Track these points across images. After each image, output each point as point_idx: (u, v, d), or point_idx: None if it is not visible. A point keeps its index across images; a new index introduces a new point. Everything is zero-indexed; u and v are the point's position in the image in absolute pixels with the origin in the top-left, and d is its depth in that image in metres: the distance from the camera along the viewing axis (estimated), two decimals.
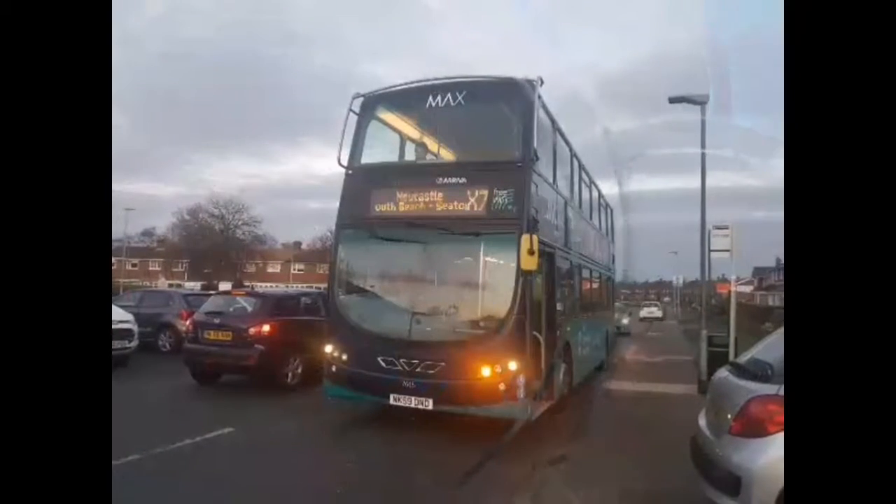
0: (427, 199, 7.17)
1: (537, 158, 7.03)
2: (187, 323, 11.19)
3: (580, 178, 10.70)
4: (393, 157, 8.43)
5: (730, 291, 12.36)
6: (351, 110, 7.76)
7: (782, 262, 67.70)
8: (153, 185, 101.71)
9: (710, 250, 11.43)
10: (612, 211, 15.67)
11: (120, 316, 11.74)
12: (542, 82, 7.09)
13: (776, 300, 55.50)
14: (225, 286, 32.78)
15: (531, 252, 6.35)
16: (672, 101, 12.34)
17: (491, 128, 8.09)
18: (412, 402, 6.71)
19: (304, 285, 52.34)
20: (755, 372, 4.03)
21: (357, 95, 7.86)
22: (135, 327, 11.93)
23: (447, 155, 8.81)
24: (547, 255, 7.65)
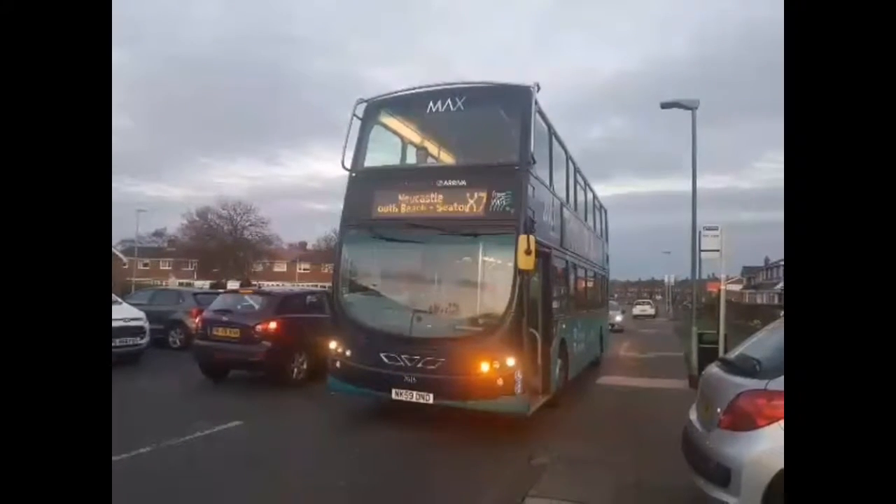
0: (428, 201, 7.17)
1: (534, 162, 7.03)
2: (197, 320, 11.19)
3: (575, 181, 10.70)
4: (395, 161, 8.41)
5: (719, 290, 12.37)
6: (354, 115, 7.76)
7: (771, 261, 67.77)
8: (163, 187, 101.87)
9: (700, 250, 11.44)
10: (605, 212, 15.68)
11: (132, 314, 11.73)
12: (539, 88, 7.09)
13: (764, 298, 55.48)
14: (233, 285, 32.77)
15: (528, 252, 6.35)
16: (664, 106, 12.33)
17: (489, 132, 8.09)
18: (413, 396, 6.70)
19: (310, 284, 52.33)
20: (744, 367, 4.03)
21: (360, 101, 7.86)
22: (146, 325, 11.91)
23: (447, 158, 8.79)
24: (543, 255, 7.65)
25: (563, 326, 8.67)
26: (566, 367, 8.73)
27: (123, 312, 11.38)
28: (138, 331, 11.60)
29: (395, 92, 7.98)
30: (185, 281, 47.94)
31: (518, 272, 6.55)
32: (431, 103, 7.51)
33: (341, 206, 7.83)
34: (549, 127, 8.45)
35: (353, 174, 7.73)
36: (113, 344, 10.35)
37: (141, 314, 12.00)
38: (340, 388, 7.38)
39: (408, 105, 8.03)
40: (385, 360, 6.86)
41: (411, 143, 8.52)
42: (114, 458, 3.92)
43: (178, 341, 14.13)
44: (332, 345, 7.40)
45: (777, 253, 59.21)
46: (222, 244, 57.11)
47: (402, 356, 6.77)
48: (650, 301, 58.24)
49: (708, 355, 9.91)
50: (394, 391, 6.80)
